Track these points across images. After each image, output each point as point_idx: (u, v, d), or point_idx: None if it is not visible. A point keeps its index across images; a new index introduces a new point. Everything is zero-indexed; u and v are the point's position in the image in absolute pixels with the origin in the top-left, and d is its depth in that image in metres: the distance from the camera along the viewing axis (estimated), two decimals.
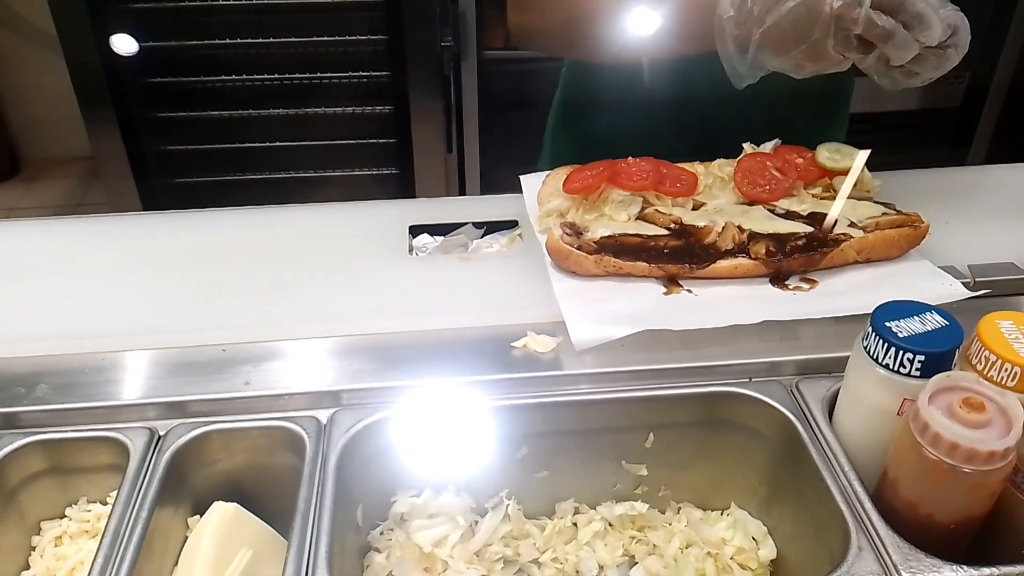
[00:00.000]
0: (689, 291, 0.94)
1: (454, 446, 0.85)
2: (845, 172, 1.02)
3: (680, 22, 1.01)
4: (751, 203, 1.03)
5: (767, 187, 1.02)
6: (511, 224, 1.13)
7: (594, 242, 0.96)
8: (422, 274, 1.01)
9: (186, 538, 0.77)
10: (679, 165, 1.05)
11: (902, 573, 0.65)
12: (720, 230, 0.97)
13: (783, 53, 0.92)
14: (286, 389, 0.84)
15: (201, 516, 0.77)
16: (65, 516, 0.83)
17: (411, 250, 1.08)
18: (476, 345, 0.89)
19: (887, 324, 0.70)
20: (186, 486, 0.79)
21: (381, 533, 0.83)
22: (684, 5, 1.00)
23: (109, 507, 0.80)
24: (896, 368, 0.69)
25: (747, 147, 1.08)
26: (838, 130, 1.32)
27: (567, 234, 0.96)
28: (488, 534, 0.85)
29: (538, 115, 1.39)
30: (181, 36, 2.34)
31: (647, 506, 0.88)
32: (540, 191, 1.07)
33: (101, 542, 0.69)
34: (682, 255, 0.95)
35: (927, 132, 2.75)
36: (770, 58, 0.93)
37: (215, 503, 0.76)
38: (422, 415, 0.83)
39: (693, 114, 1.18)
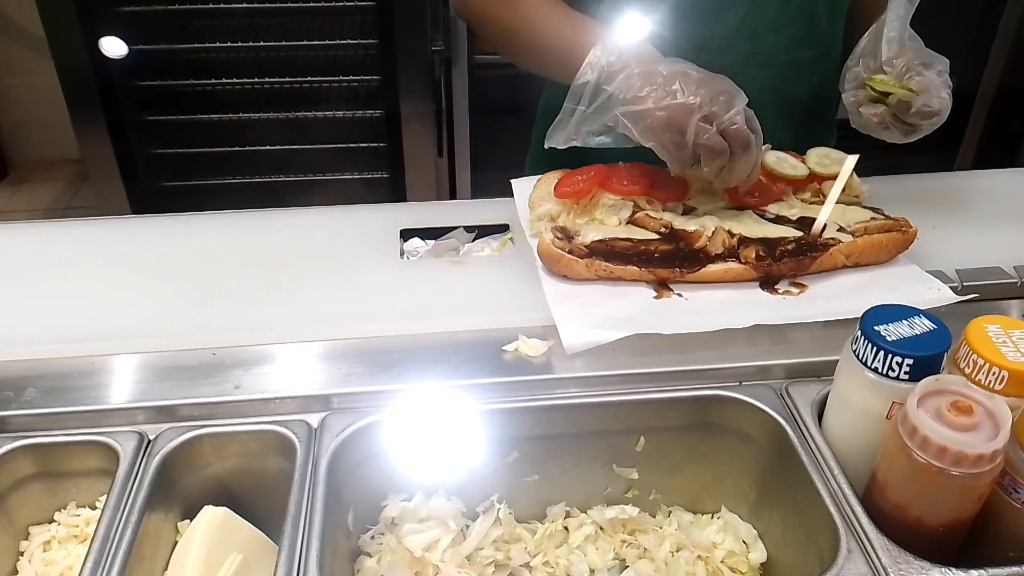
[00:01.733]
0: (679, 295, 0.95)
1: (445, 450, 0.85)
2: (834, 177, 1.03)
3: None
4: (741, 208, 1.03)
5: (756, 193, 1.03)
6: (502, 228, 1.13)
7: (585, 246, 0.96)
8: (413, 278, 1.01)
9: (176, 543, 0.77)
10: None
11: (891, 575, 0.65)
12: (710, 234, 0.97)
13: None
14: (276, 393, 0.84)
15: (191, 521, 0.76)
16: (54, 521, 0.83)
17: (402, 254, 1.08)
18: (467, 349, 0.89)
19: (876, 328, 0.70)
20: (176, 490, 0.79)
21: (372, 537, 0.83)
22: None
23: (98, 512, 0.80)
24: (885, 372, 0.70)
25: None
26: (826, 138, 1.32)
27: (558, 238, 0.97)
28: (479, 538, 0.84)
29: (528, 119, 1.40)
30: (171, 39, 2.34)
31: (638, 510, 0.88)
32: (531, 195, 1.08)
33: (90, 547, 0.69)
34: (673, 259, 0.96)
35: None
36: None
37: (205, 507, 0.76)
38: (413, 419, 0.83)
39: None
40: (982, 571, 0.65)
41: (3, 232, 1.15)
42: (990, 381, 0.68)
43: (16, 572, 0.80)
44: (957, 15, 2.59)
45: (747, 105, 0.91)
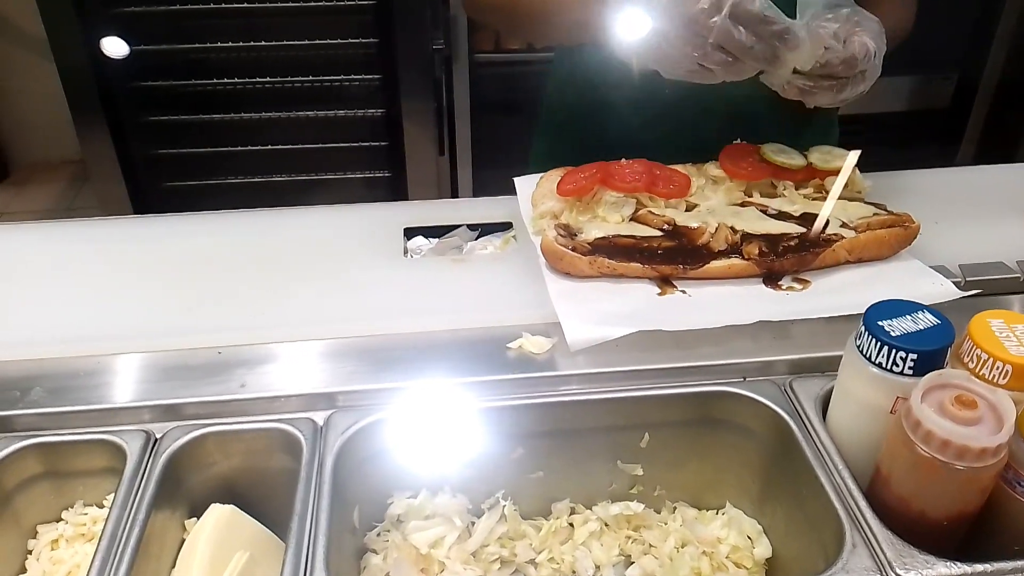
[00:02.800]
0: (683, 291, 0.95)
1: (450, 447, 0.85)
2: (835, 173, 1.03)
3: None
4: (743, 204, 1.04)
5: (748, 168, 1.04)
6: (505, 226, 1.14)
7: (588, 243, 0.96)
8: (417, 276, 1.01)
9: (183, 541, 0.77)
10: (672, 167, 1.05)
11: (896, 569, 0.66)
12: (713, 231, 0.97)
13: (655, 50, 0.92)
14: (282, 391, 0.84)
15: (198, 519, 0.77)
16: (61, 520, 0.83)
17: (406, 252, 1.08)
18: (471, 346, 0.90)
19: (879, 323, 0.71)
20: (182, 489, 0.79)
21: (378, 534, 0.84)
22: None
23: (105, 510, 0.80)
24: (889, 366, 0.70)
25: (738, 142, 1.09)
26: (826, 138, 1.33)
27: (561, 235, 0.97)
28: (484, 535, 0.85)
29: (530, 117, 1.40)
30: (172, 40, 2.34)
31: (642, 506, 0.88)
32: (534, 193, 1.08)
33: (98, 546, 0.69)
34: (675, 256, 0.96)
35: (916, 133, 2.77)
36: (650, 52, 0.93)
37: (212, 505, 0.76)
38: (418, 416, 0.83)
39: (677, 119, 1.18)
40: (987, 564, 0.65)
41: (6, 233, 1.15)
42: (993, 375, 0.68)
43: (24, 571, 0.81)
44: (958, 9, 2.59)
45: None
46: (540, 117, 1.38)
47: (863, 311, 0.73)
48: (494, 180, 1.20)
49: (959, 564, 0.65)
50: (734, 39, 0.87)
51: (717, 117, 1.13)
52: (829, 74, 0.96)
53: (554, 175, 1.06)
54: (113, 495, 0.74)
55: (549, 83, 1.35)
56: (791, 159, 1.05)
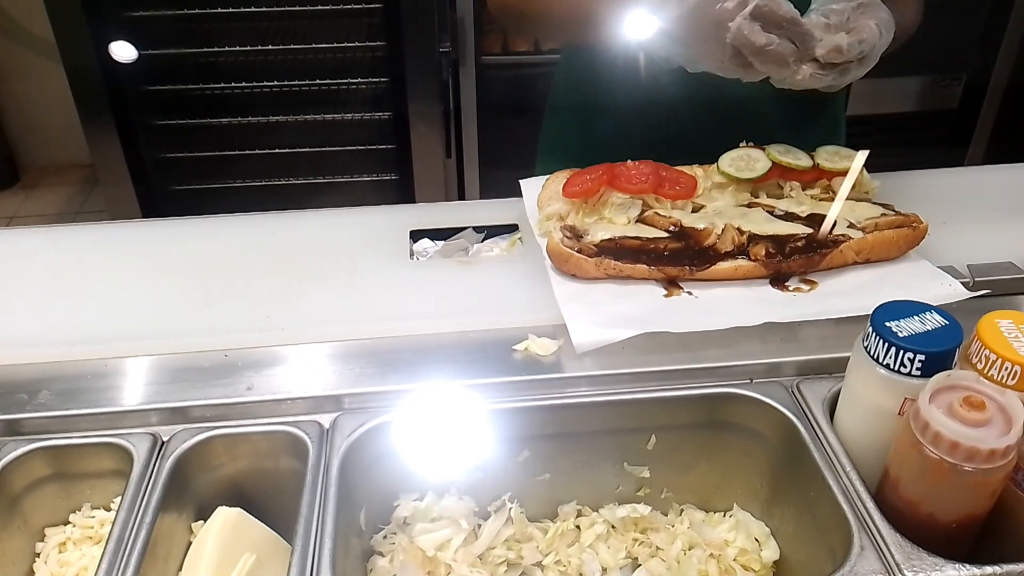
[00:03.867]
0: (689, 293, 0.95)
1: (456, 449, 0.85)
2: (843, 173, 1.02)
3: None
4: (750, 205, 1.03)
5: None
6: (511, 228, 1.14)
7: (594, 245, 0.96)
8: (423, 278, 1.01)
9: (190, 543, 0.77)
10: (678, 168, 1.05)
11: (904, 572, 0.65)
12: (720, 232, 0.97)
13: (685, 45, 0.92)
14: (288, 394, 0.84)
15: (205, 521, 0.77)
16: (69, 522, 0.83)
17: (412, 255, 1.08)
18: (477, 348, 0.90)
19: (887, 324, 0.70)
20: (189, 491, 0.79)
21: (384, 537, 0.84)
22: None
23: (113, 513, 0.80)
24: (897, 368, 0.69)
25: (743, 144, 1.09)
26: (832, 138, 1.32)
27: (567, 237, 0.97)
28: (491, 537, 0.85)
29: (536, 120, 1.40)
30: (180, 43, 2.35)
31: (649, 508, 0.88)
32: (540, 195, 1.08)
33: (105, 548, 0.70)
34: (682, 257, 0.96)
35: (925, 133, 2.75)
36: (676, 47, 0.93)
37: (218, 508, 0.77)
38: (424, 419, 0.83)
39: (682, 120, 1.17)
40: (996, 567, 0.65)
41: (16, 237, 1.15)
42: (1002, 376, 0.68)
43: (32, 573, 0.81)
44: (967, 10, 2.58)
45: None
46: (545, 118, 1.38)
47: (871, 312, 0.72)
48: (501, 182, 1.20)
49: (968, 566, 0.65)
50: (748, 40, 0.87)
51: (722, 118, 1.13)
52: (834, 62, 0.96)
53: (560, 177, 1.06)
54: (120, 498, 0.74)
55: (554, 84, 1.35)
56: (797, 160, 1.04)
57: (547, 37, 1.18)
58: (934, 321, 0.71)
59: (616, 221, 1.00)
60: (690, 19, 0.90)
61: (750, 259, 0.95)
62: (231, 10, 2.30)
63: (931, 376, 0.67)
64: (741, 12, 0.87)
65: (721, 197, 1.05)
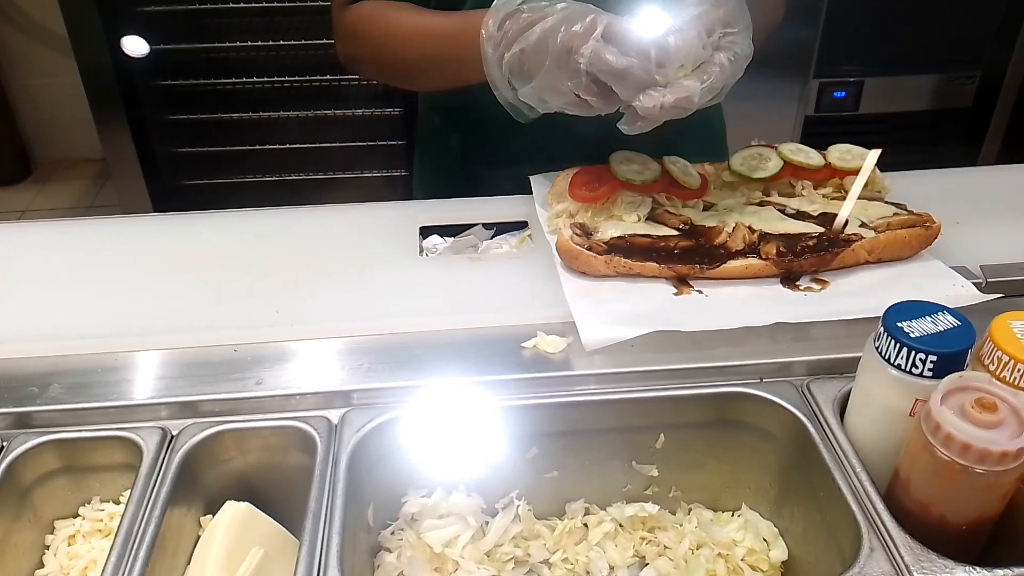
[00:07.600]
0: (699, 292, 0.94)
1: (464, 446, 0.85)
2: (855, 172, 1.02)
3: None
4: (761, 203, 1.03)
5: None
6: (521, 225, 1.13)
7: (604, 243, 0.96)
8: (432, 275, 1.01)
9: (198, 537, 0.78)
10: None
11: (914, 574, 0.65)
12: (731, 230, 0.97)
13: (528, 82, 0.88)
14: (297, 389, 0.84)
15: (213, 515, 0.77)
16: (78, 515, 0.84)
17: (421, 251, 1.08)
18: (486, 345, 0.90)
19: (899, 324, 0.70)
20: (198, 485, 0.80)
21: (392, 533, 0.84)
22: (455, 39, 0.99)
23: (122, 506, 0.81)
24: (908, 368, 0.69)
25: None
26: (713, 140, 1.32)
27: (577, 235, 0.96)
28: (499, 534, 0.85)
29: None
30: (192, 39, 2.36)
31: (658, 507, 0.87)
32: (549, 192, 1.08)
33: (114, 541, 0.70)
34: (692, 255, 0.95)
35: (938, 132, 2.74)
36: (521, 86, 0.90)
37: (227, 502, 0.77)
38: (433, 415, 0.83)
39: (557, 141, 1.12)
40: (1007, 570, 0.64)
41: (28, 230, 1.16)
42: (1015, 378, 0.67)
43: (42, 565, 0.81)
44: (981, 8, 2.56)
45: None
46: (418, 142, 1.37)
47: (882, 312, 0.72)
48: (511, 178, 1.20)
49: (978, 569, 0.64)
50: (604, 61, 0.82)
51: (586, 141, 1.08)
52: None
53: (570, 174, 1.06)
54: (129, 491, 0.74)
55: (421, 108, 1.34)
56: (809, 159, 1.04)
57: (402, 85, 1.19)
58: (946, 322, 0.71)
59: (626, 219, 1.00)
60: (538, 49, 0.85)
61: (761, 258, 0.95)
62: (242, 5, 2.31)
63: (943, 377, 0.66)
64: (592, 35, 0.82)
65: (732, 195, 1.04)
